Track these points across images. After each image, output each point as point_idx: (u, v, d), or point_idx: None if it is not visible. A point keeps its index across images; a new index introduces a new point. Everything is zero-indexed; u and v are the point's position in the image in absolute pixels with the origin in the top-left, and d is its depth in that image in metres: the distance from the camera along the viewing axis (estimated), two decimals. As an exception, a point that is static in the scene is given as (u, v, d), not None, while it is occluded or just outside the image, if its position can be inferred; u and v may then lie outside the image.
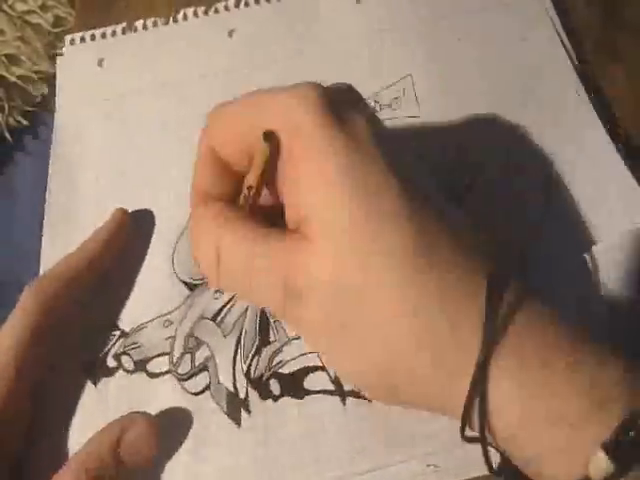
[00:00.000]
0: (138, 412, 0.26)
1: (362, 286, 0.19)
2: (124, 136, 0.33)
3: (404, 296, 0.19)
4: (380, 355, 0.20)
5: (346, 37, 0.34)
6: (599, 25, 0.34)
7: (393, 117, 0.31)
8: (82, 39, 0.36)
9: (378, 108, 0.32)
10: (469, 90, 0.32)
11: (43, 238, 0.31)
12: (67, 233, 0.31)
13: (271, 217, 0.23)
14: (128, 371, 0.28)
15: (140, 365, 0.28)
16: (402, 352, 0.19)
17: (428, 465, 0.25)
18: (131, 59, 0.35)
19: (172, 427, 0.26)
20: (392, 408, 0.25)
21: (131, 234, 0.30)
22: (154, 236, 0.31)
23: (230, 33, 0.35)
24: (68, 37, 0.36)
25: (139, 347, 0.28)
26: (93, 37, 0.36)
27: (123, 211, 0.30)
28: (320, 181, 0.20)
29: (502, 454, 0.20)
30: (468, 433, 0.20)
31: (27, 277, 0.32)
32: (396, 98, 0.32)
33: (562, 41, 0.33)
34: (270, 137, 0.21)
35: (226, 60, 0.34)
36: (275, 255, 0.21)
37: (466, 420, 0.19)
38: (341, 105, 0.21)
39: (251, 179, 0.22)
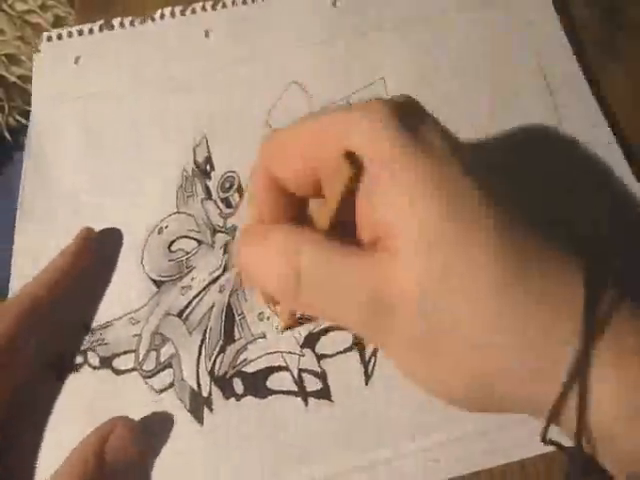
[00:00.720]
0: (119, 416, 0.26)
1: (452, 297, 0.19)
2: (98, 135, 0.33)
3: (495, 306, 0.19)
4: (477, 367, 0.19)
5: (320, 39, 0.34)
6: (599, 25, 0.34)
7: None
8: (59, 36, 0.35)
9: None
10: (443, 93, 0.32)
11: (15, 238, 0.30)
12: (40, 232, 0.31)
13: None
14: (94, 367, 0.28)
15: (106, 362, 0.28)
16: (499, 360, 0.19)
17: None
18: (108, 57, 0.35)
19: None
20: (354, 410, 0.26)
21: (99, 247, 0.30)
22: (125, 235, 0.30)
23: (207, 33, 0.35)
24: (45, 34, 0.35)
25: (105, 344, 0.28)
26: (70, 34, 0.35)
27: (89, 230, 0.30)
28: (404, 197, 0.19)
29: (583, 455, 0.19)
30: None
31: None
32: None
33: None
34: (353, 159, 0.20)
35: (203, 60, 0.34)
36: (361, 271, 0.20)
37: (553, 417, 0.19)
38: (412, 119, 0.20)
39: (330, 204, 0.21)
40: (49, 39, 0.35)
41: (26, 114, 0.37)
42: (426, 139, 0.20)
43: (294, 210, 0.24)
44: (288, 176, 0.23)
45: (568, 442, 0.20)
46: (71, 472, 0.23)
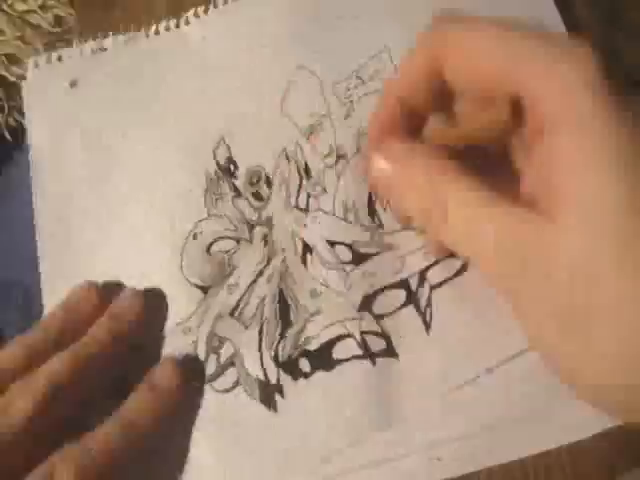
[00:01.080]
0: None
1: (612, 279, 0.17)
2: (115, 152, 0.32)
3: None
4: (629, 352, 0.17)
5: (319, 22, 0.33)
6: (599, 25, 0.34)
7: (375, 90, 0.31)
8: (48, 60, 0.34)
9: (361, 82, 0.31)
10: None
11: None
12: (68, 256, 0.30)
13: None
14: None
15: None
16: None
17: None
18: (105, 80, 0.33)
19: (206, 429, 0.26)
20: (421, 359, 0.26)
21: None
22: (160, 247, 0.30)
23: (203, 38, 0.33)
24: (32, 60, 0.34)
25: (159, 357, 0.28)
26: (60, 58, 0.34)
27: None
28: (588, 161, 0.18)
29: None
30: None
31: (28, 277, 0.31)
32: (377, 70, 0.31)
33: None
34: (518, 109, 0.19)
35: (200, 65, 0.33)
36: (515, 229, 0.19)
37: None
38: (617, 83, 0.18)
39: (476, 132, 0.21)
40: (36, 65, 0.34)
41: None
42: (628, 107, 0.18)
43: (429, 108, 0.23)
44: (459, 79, 0.21)
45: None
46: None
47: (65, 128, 0.33)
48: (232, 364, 0.27)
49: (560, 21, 0.33)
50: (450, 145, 0.22)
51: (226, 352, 0.28)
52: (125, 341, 0.26)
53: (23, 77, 0.35)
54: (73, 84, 0.33)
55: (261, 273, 0.29)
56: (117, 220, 0.31)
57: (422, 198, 0.21)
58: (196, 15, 0.34)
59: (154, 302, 0.28)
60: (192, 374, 0.27)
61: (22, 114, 0.36)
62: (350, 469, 0.26)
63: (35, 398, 0.23)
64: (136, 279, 0.29)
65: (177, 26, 0.34)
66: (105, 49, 0.34)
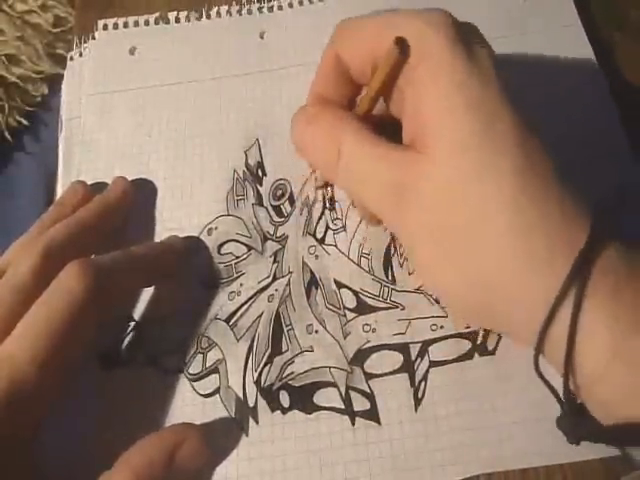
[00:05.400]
0: (189, 424, 0.25)
1: (471, 195, 0.20)
2: (149, 128, 0.33)
3: (512, 214, 0.20)
4: (481, 266, 0.21)
5: None
6: (599, 25, 0.34)
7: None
8: (115, 25, 0.35)
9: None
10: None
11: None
12: None
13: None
14: (141, 363, 0.27)
15: (152, 360, 0.27)
16: (502, 266, 0.20)
17: None
18: (163, 51, 0.34)
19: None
20: (401, 436, 0.25)
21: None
22: (174, 234, 0.30)
23: (261, 35, 0.34)
24: (101, 22, 0.35)
25: (153, 342, 0.27)
26: (126, 25, 0.35)
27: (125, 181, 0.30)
28: (442, 97, 0.21)
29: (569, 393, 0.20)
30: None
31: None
32: None
33: None
34: (402, 43, 0.21)
35: (258, 62, 0.34)
36: (393, 163, 0.22)
37: (542, 341, 0.20)
38: (469, 36, 0.22)
39: (373, 85, 0.23)
40: (105, 27, 0.35)
41: (26, 114, 0.37)
42: (477, 56, 0.21)
43: (350, 93, 0.26)
44: (352, 60, 0.24)
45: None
46: (137, 473, 0.22)
47: (120, 94, 0.34)
48: (216, 371, 0.27)
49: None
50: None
51: (213, 357, 0.27)
52: (112, 207, 0.29)
53: (23, 77, 0.35)
54: (132, 50, 0.35)
55: (264, 289, 0.28)
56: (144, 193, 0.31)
57: (323, 146, 0.24)
58: (260, 10, 0.35)
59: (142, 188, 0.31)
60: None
61: (22, 114, 0.36)
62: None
63: (35, 256, 0.25)
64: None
65: (239, 13, 0.35)
66: (168, 20, 0.35)
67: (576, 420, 0.21)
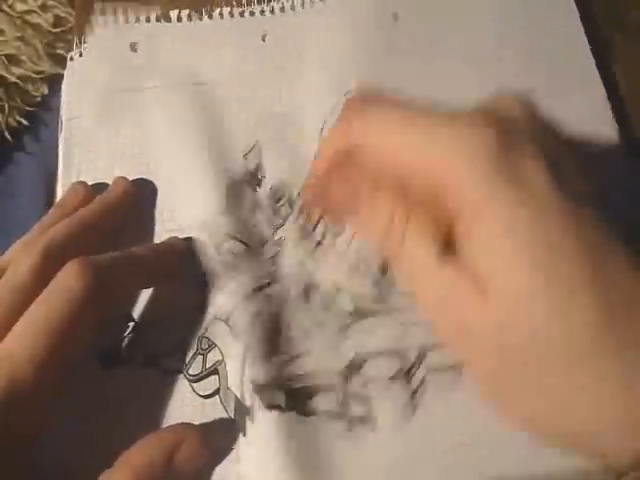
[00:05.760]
0: (188, 424, 0.25)
1: (539, 356, 0.19)
2: (148, 127, 0.33)
3: (595, 336, 0.18)
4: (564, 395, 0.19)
5: (380, 50, 0.33)
6: (599, 25, 0.34)
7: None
8: (115, 21, 0.35)
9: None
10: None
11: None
12: None
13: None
14: (140, 364, 0.27)
15: (152, 360, 0.27)
16: (590, 392, 0.19)
17: None
18: (164, 49, 0.34)
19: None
20: (398, 439, 0.25)
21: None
22: (176, 230, 0.30)
23: (263, 37, 0.34)
24: (101, 18, 0.35)
25: (152, 342, 0.28)
26: (127, 21, 0.35)
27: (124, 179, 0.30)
28: (495, 243, 0.19)
29: None
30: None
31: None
32: None
33: None
34: None
35: (258, 64, 0.34)
36: (452, 284, 0.20)
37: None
38: (516, 145, 0.20)
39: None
40: (105, 23, 0.35)
41: (26, 114, 0.36)
42: (526, 177, 0.19)
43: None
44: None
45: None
46: (136, 473, 0.22)
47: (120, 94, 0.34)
48: (215, 372, 0.27)
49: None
50: None
51: (212, 357, 0.27)
52: (113, 207, 0.29)
53: (23, 77, 0.35)
54: (133, 47, 0.35)
55: (261, 289, 0.28)
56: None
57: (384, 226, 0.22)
58: (262, 13, 0.35)
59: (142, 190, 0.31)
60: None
61: (22, 114, 0.36)
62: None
63: (35, 256, 0.24)
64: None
65: (241, 15, 0.35)
66: (169, 18, 0.35)
67: None
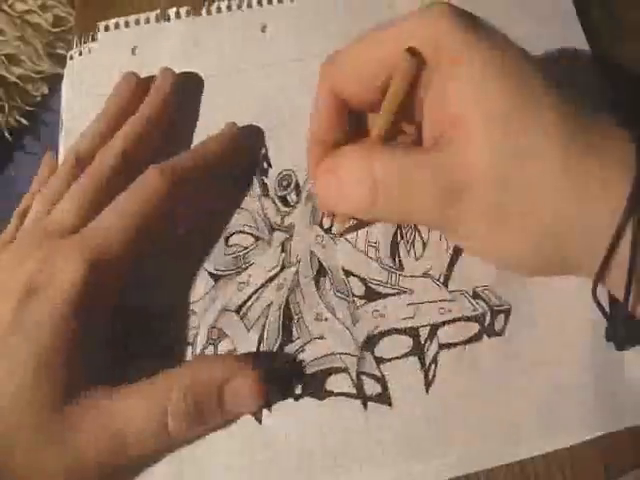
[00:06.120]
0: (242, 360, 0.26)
1: (521, 164, 0.21)
2: None
3: (563, 156, 0.21)
4: (547, 224, 0.21)
5: None
6: (599, 25, 0.33)
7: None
8: (116, 25, 0.35)
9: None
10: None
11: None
12: None
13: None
14: (151, 356, 0.27)
15: (163, 352, 0.27)
16: (563, 207, 0.21)
17: None
18: (164, 48, 0.34)
19: None
20: (413, 417, 0.25)
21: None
22: None
23: (263, 28, 0.35)
24: (102, 23, 0.35)
25: (163, 334, 0.28)
26: (127, 24, 0.35)
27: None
28: (471, 81, 0.21)
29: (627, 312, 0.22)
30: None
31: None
32: None
33: None
34: (415, 53, 0.21)
35: (260, 55, 0.34)
36: (432, 166, 0.21)
37: (604, 269, 0.21)
38: (472, 18, 0.22)
39: (390, 104, 0.22)
40: (106, 28, 0.35)
41: (26, 114, 0.37)
42: (487, 31, 0.22)
43: (353, 126, 0.25)
44: (353, 90, 0.24)
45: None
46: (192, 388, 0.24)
47: None
48: None
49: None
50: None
51: (224, 347, 0.27)
52: (169, 99, 0.31)
53: (23, 77, 0.35)
54: (134, 50, 0.35)
55: (272, 279, 0.28)
56: None
57: (355, 184, 0.23)
58: (259, 3, 0.35)
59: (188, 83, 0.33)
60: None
61: (22, 114, 0.36)
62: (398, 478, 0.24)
63: (116, 157, 0.28)
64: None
65: (239, 7, 0.35)
66: (168, 17, 0.35)
67: (627, 325, 0.23)
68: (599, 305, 0.23)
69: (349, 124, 0.25)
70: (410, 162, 0.22)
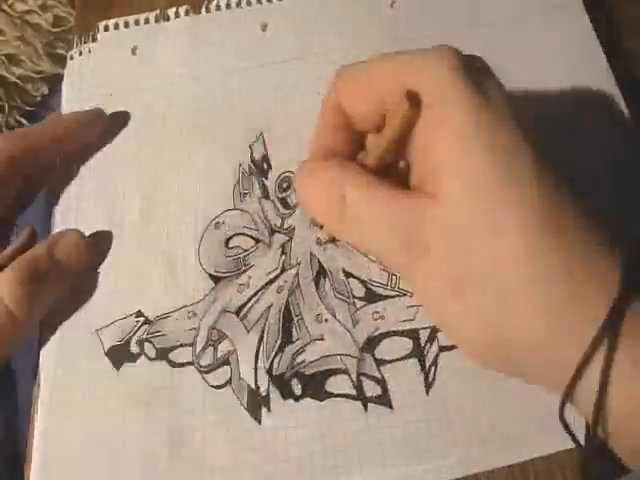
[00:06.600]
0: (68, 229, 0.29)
1: (489, 242, 0.19)
2: (153, 128, 0.33)
3: (529, 261, 0.19)
4: (495, 315, 0.20)
5: (378, 41, 0.33)
6: (599, 25, 0.33)
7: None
8: (116, 25, 0.35)
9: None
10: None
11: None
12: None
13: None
14: (150, 358, 0.27)
15: (162, 353, 0.27)
16: (518, 314, 0.19)
17: None
18: (164, 48, 0.34)
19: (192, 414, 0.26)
20: (414, 419, 0.25)
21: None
22: (182, 228, 0.30)
23: (263, 27, 0.34)
24: (101, 24, 0.35)
25: (162, 336, 0.28)
26: (127, 24, 0.35)
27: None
28: (455, 138, 0.20)
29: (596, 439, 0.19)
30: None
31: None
32: None
33: None
34: (414, 98, 0.21)
35: (259, 55, 0.34)
36: (402, 208, 0.21)
37: (570, 392, 0.19)
38: (477, 73, 0.21)
39: (387, 136, 0.22)
40: (106, 28, 0.35)
41: (26, 114, 0.36)
42: (488, 93, 0.21)
43: (353, 142, 0.25)
44: (356, 109, 0.24)
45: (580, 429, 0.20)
46: (25, 263, 0.26)
47: (123, 94, 0.34)
48: (227, 362, 0.27)
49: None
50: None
51: (224, 348, 0.27)
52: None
53: (23, 77, 0.35)
54: (134, 50, 0.35)
55: (272, 281, 0.28)
56: (148, 196, 0.31)
57: (327, 196, 0.23)
58: (259, 2, 0.35)
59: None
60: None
61: (22, 114, 0.36)
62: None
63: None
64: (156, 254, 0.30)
65: (238, 5, 0.35)
66: (167, 17, 0.35)
67: (601, 463, 0.20)
68: (567, 428, 0.21)
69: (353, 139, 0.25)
70: (379, 193, 0.21)
